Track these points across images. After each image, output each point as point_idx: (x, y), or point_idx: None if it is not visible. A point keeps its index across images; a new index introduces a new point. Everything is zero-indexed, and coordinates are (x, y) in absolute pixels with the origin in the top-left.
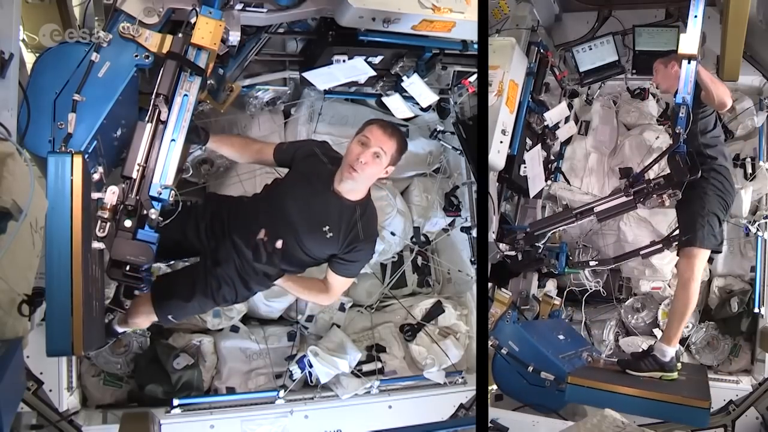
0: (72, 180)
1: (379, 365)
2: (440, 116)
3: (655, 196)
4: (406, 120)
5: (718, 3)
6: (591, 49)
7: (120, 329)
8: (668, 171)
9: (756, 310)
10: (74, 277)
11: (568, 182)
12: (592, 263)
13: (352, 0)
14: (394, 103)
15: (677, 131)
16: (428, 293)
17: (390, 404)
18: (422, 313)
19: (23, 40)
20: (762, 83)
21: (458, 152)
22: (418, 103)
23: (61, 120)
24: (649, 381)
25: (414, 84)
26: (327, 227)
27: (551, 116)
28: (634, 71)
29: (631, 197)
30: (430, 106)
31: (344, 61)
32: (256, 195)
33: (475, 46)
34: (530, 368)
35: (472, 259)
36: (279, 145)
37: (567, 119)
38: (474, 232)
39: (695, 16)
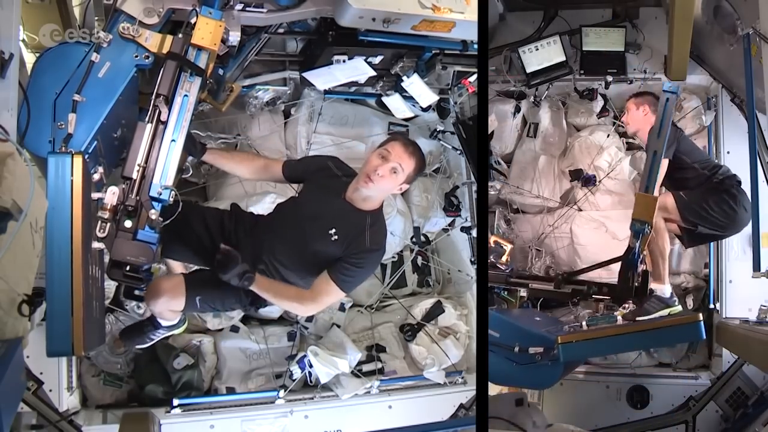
0: (72, 180)
1: (379, 365)
2: (440, 116)
3: (591, 299)
4: (406, 120)
5: (664, 3)
6: (537, 49)
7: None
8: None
9: (711, 306)
10: (74, 278)
11: (504, 175)
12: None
13: (352, 0)
14: (394, 103)
15: (630, 245)
16: (428, 293)
17: (390, 404)
18: (422, 313)
19: (23, 40)
20: (710, 82)
21: (458, 152)
22: (418, 103)
23: (61, 120)
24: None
25: (414, 84)
26: (333, 230)
27: None
28: (582, 72)
29: (569, 292)
30: (430, 106)
31: (344, 61)
32: (270, 214)
33: (475, 46)
34: (516, 348)
35: (472, 259)
36: (288, 162)
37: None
38: (474, 232)
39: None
